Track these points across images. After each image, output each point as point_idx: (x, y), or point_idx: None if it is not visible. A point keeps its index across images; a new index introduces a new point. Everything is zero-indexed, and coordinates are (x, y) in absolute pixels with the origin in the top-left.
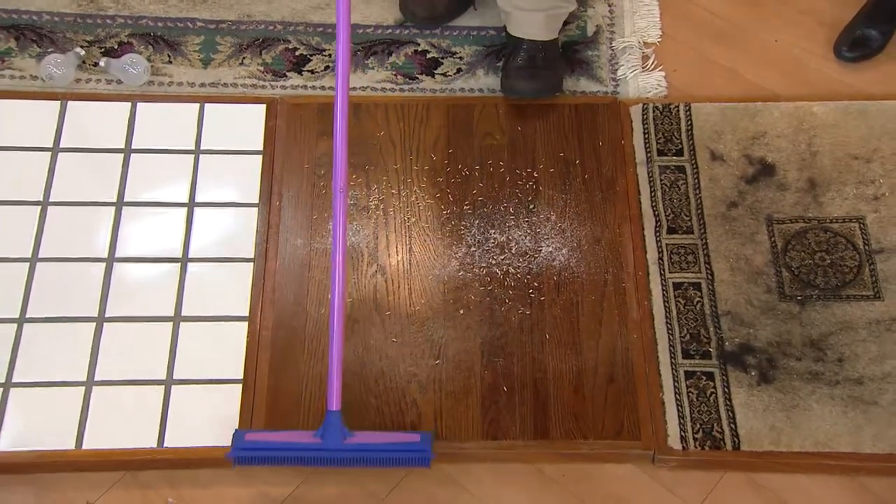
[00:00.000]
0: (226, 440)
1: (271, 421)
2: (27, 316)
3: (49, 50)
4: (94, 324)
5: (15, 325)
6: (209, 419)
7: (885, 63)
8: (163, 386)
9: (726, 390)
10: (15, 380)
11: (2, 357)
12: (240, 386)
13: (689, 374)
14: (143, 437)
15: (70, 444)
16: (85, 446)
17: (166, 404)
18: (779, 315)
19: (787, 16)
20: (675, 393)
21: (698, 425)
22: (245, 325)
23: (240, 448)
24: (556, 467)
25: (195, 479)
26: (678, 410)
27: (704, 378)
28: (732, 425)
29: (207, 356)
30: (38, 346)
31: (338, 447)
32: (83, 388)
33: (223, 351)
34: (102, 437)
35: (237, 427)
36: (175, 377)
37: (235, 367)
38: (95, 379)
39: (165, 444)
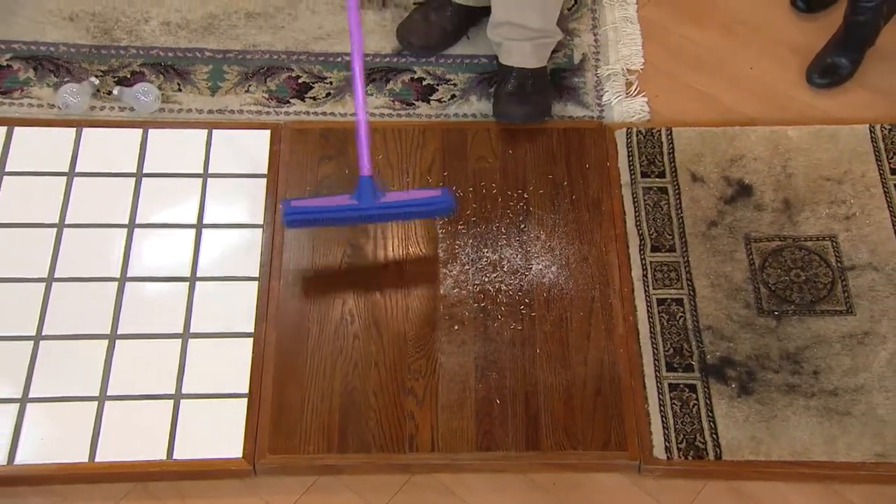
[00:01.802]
0: (231, 452)
1: (276, 433)
2: (43, 333)
3: (65, 79)
4: (106, 341)
5: (32, 343)
6: (216, 432)
7: (854, 90)
8: (172, 400)
9: (708, 402)
10: (31, 395)
11: (19, 373)
12: (245, 400)
13: (672, 387)
14: (153, 450)
15: (83, 457)
16: (98, 459)
17: (175, 418)
18: (757, 329)
19: (761, 44)
20: (660, 405)
21: (682, 436)
22: (250, 341)
23: (290, 213)
24: (547, 477)
25: (203, 489)
26: (663, 421)
27: (687, 390)
28: (714, 435)
29: (214, 371)
30: (54, 363)
31: (373, 206)
32: (96, 403)
33: (229, 366)
34: (114, 450)
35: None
36: (184, 392)
37: (241, 381)
38: (108, 394)
39: (175, 457)
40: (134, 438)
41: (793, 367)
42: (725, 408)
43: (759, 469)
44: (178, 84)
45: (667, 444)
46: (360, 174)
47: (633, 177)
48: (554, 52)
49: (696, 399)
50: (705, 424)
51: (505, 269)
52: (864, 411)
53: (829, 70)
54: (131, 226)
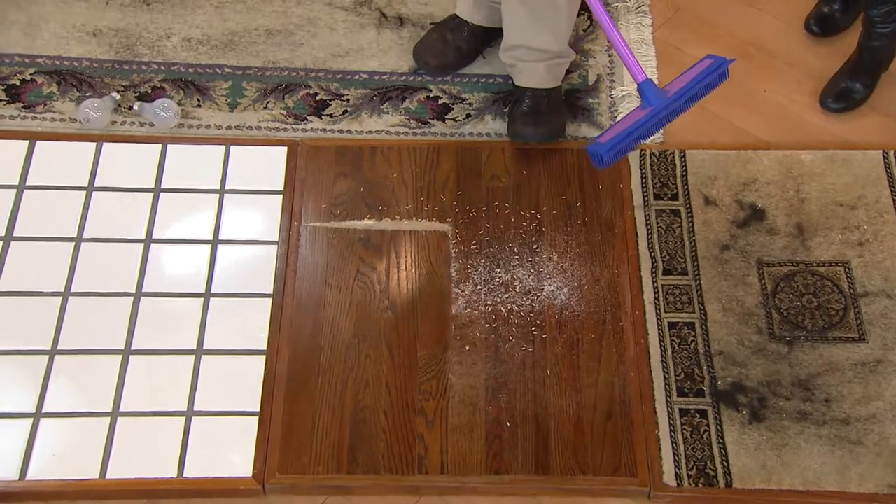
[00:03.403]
0: (241, 471)
1: (286, 453)
2: (59, 348)
3: (87, 94)
4: (121, 356)
5: (47, 357)
6: (227, 450)
7: (868, 115)
8: (184, 417)
9: (719, 428)
10: (45, 410)
11: (34, 388)
12: (256, 419)
13: (683, 412)
14: (163, 467)
15: (94, 474)
16: (108, 476)
17: (186, 435)
18: (769, 355)
19: (775, 67)
20: (671, 430)
21: (692, 462)
22: (263, 358)
23: (606, 150)
24: (556, 501)
25: None
26: (673, 447)
27: (698, 416)
28: (725, 463)
29: (226, 389)
30: (68, 378)
31: (669, 102)
32: (109, 419)
33: (241, 384)
34: (125, 467)
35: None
36: (196, 409)
37: (253, 399)
38: (121, 410)
39: (185, 474)
40: (145, 455)
41: (804, 395)
42: (736, 435)
43: (770, 498)
44: (198, 100)
45: (677, 470)
46: (637, 82)
47: (645, 199)
48: (568, 72)
49: (707, 425)
50: (716, 451)
51: (517, 290)
52: (876, 441)
53: (844, 95)
54: (148, 241)
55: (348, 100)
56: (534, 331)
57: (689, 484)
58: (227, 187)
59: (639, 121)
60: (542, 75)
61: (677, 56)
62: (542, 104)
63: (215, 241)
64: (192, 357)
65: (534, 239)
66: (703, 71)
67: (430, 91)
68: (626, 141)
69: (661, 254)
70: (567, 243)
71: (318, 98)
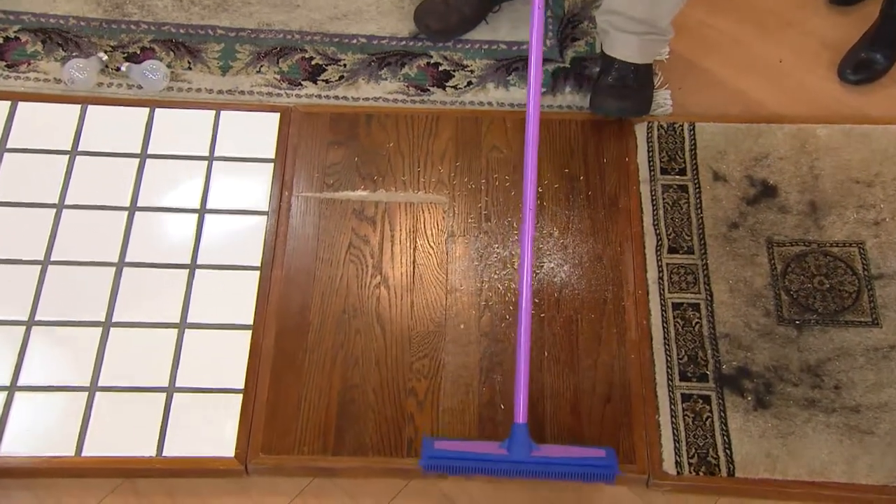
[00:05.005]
0: (223, 451)
1: (270, 432)
2: (36, 319)
3: (73, 54)
4: (100, 328)
5: (23, 328)
6: (208, 429)
7: (889, 87)
8: (164, 393)
9: (722, 415)
10: (20, 383)
11: (9, 360)
12: (240, 396)
13: (685, 397)
14: (142, 445)
15: (70, 451)
16: (84, 453)
17: (167, 412)
18: (776, 339)
19: (791, 37)
20: (672, 416)
21: (693, 450)
22: (249, 333)
23: (431, 457)
24: (550, 486)
25: (192, 487)
26: (674, 434)
27: (701, 401)
28: (728, 451)
29: (210, 364)
30: (46, 350)
31: (525, 459)
32: (86, 394)
33: (226, 359)
34: (102, 444)
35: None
36: (177, 385)
37: (237, 376)
38: (99, 384)
39: (164, 453)
40: (123, 432)
41: (813, 381)
42: (741, 421)
43: (774, 488)
44: (189, 62)
45: (677, 458)
46: (514, 421)
47: (652, 173)
48: (575, 40)
49: (710, 411)
50: (719, 439)
51: (515, 267)
52: (888, 430)
53: (863, 66)
54: (132, 209)
55: (345, 65)
56: (531, 309)
57: (690, 472)
58: (216, 154)
59: (486, 456)
60: (634, 49)
61: (689, 24)
62: (629, 78)
63: (202, 211)
64: (176, 331)
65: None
66: (588, 458)
67: (431, 57)
68: (457, 462)
69: (666, 231)
70: (569, 219)
71: (313, 63)
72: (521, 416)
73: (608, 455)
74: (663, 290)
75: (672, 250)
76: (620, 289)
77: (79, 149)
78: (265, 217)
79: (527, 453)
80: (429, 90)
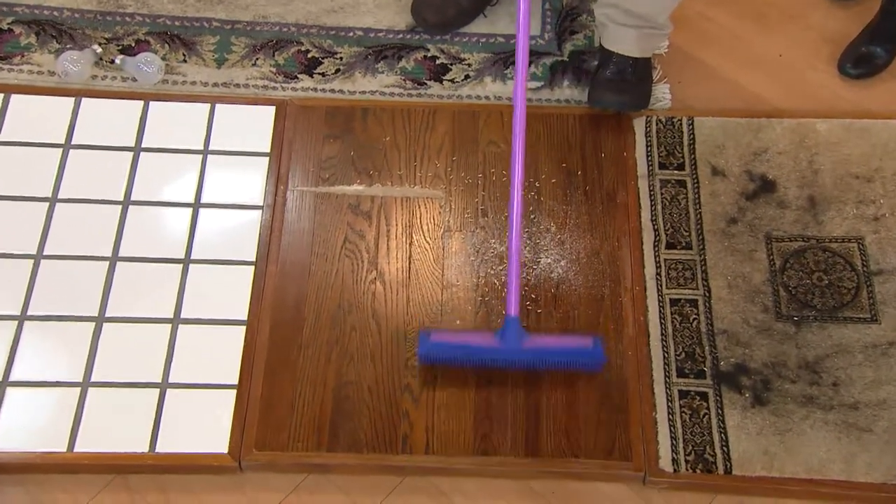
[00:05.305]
0: (216, 447)
1: (264, 428)
2: (28, 313)
3: (67, 46)
4: (93, 323)
5: (15, 323)
6: (202, 425)
7: (889, 81)
8: (158, 389)
9: (720, 412)
10: (12, 378)
11: (0, 355)
12: (234, 392)
13: (682, 394)
14: (134, 441)
15: (62, 447)
16: (77, 449)
17: (160, 408)
18: (775, 335)
19: (791, 31)
20: (668, 413)
21: (690, 447)
22: (243, 329)
23: (428, 346)
24: (546, 484)
25: (185, 484)
26: (671, 431)
27: (698, 398)
28: (725, 448)
29: (204, 360)
30: (38, 345)
31: (517, 349)
32: (79, 389)
33: (220, 355)
34: (95, 440)
35: (228, 433)
36: (171, 381)
37: (231, 372)
38: (92, 380)
39: (157, 449)
40: (116, 428)
41: (811, 378)
42: (738, 418)
43: (771, 486)
44: (184, 55)
45: (674, 455)
46: (506, 313)
47: (650, 168)
48: (573, 33)
49: (707, 408)
50: (716, 436)
51: None
52: (886, 428)
53: (864, 60)
54: (126, 202)
55: (341, 58)
56: (528, 305)
57: (687, 469)
58: (211, 148)
59: (480, 346)
60: (631, 43)
61: (688, 17)
62: (628, 72)
63: (197, 205)
64: (169, 326)
65: (531, 208)
66: (577, 347)
67: (428, 50)
68: (452, 352)
69: (664, 226)
70: (566, 214)
71: (309, 56)
72: (512, 308)
73: (595, 343)
74: (661, 285)
75: (670, 246)
76: (618, 285)
77: (72, 142)
78: (260, 211)
79: (519, 344)
80: (426, 84)
